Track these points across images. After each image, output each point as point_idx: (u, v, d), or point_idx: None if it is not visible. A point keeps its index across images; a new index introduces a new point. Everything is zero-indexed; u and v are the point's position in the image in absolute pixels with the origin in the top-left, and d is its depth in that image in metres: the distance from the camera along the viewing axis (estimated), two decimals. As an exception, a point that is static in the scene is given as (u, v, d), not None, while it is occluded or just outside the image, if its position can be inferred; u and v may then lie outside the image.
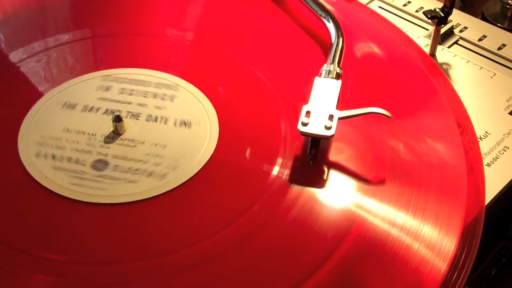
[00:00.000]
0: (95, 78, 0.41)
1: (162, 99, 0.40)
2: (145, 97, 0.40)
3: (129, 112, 0.39)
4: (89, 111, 0.39)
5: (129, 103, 0.40)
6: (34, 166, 0.36)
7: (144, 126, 0.38)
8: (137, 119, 0.39)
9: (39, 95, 0.40)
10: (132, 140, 0.37)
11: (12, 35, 0.45)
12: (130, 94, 0.40)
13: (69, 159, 0.36)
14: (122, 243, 0.33)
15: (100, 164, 0.36)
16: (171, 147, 0.37)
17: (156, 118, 0.39)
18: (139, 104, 0.40)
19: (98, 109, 0.39)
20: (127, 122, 0.38)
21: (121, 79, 0.41)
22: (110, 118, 0.38)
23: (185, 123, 0.38)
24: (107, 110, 0.39)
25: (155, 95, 0.40)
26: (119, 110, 0.39)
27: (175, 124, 0.38)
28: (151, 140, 0.37)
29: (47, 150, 0.37)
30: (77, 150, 0.37)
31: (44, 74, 0.42)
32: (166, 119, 0.39)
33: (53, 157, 0.36)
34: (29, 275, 0.31)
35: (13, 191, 0.35)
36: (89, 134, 0.38)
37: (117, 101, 0.40)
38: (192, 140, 0.37)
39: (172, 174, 0.35)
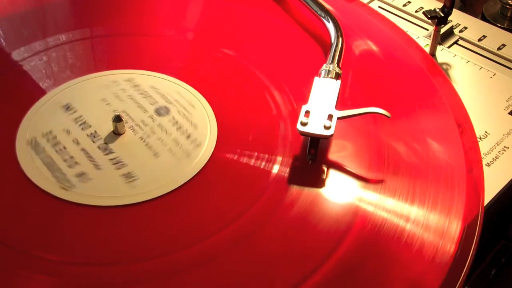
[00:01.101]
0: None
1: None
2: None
3: (127, 112, 0.39)
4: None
5: (129, 103, 0.40)
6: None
7: (144, 125, 0.38)
8: (136, 120, 0.39)
9: (37, 96, 0.40)
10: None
11: (12, 34, 0.45)
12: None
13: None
14: (122, 244, 0.33)
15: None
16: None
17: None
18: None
19: (98, 110, 0.39)
20: (127, 120, 0.38)
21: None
22: (109, 118, 0.38)
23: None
24: (107, 111, 0.39)
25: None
26: (119, 111, 0.39)
27: (174, 124, 0.38)
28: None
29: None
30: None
31: (44, 74, 0.42)
32: (166, 119, 0.39)
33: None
34: (29, 275, 0.31)
35: (13, 191, 0.35)
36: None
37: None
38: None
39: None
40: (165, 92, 0.40)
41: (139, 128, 0.38)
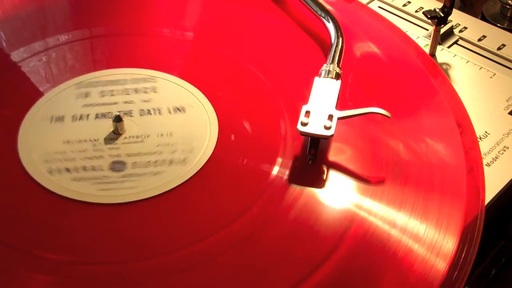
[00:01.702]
0: (95, 78, 0.41)
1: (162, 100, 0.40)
2: (143, 98, 0.40)
3: (124, 112, 0.39)
4: (79, 119, 0.39)
5: (128, 103, 0.40)
6: (33, 165, 0.36)
7: (144, 123, 0.38)
8: (130, 116, 0.39)
9: (37, 97, 0.40)
10: (137, 136, 0.37)
11: (11, 35, 0.45)
12: (127, 94, 0.40)
13: (85, 168, 0.36)
14: (122, 243, 0.33)
15: (118, 165, 0.36)
16: (178, 134, 0.37)
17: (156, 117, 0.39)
18: (138, 105, 0.40)
19: (87, 116, 0.39)
20: (127, 121, 0.38)
21: (120, 80, 0.41)
22: (103, 121, 0.38)
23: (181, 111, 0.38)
24: (96, 114, 0.39)
25: (155, 96, 0.40)
26: (109, 112, 0.39)
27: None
28: (155, 132, 0.37)
29: (58, 165, 0.36)
30: (87, 158, 0.36)
31: (43, 75, 0.42)
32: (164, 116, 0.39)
33: (67, 170, 0.36)
34: (29, 275, 0.31)
35: (13, 191, 0.35)
36: (91, 140, 0.38)
37: (117, 102, 0.40)
38: (195, 127, 0.38)
39: (190, 158, 0.36)
40: (184, 103, 0.40)
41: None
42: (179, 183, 0.35)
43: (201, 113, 0.39)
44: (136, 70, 0.42)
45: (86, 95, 0.40)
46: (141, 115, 0.39)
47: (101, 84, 0.41)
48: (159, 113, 0.39)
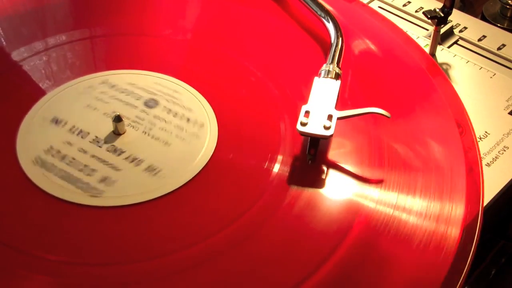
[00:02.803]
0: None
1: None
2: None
3: (127, 112, 0.39)
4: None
5: (128, 104, 0.40)
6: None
7: (145, 126, 0.38)
8: (137, 121, 0.39)
9: (37, 96, 0.40)
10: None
11: (12, 34, 0.45)
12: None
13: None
14: (122, 244, 0.33)
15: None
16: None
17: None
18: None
19: (95, 111, 0.39)
20: (127, 122, 0.38)
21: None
22: (108, 119, 0.38)
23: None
24: (105, 112, 0.39)
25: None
26: (118, 112, 0.39)
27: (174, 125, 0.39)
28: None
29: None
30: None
31: (44, 74, 0.42)
32: (166, 119, 0.39)
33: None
34: (29, 275, 0.31)
35: (12, 191, 0.35)
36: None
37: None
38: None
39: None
40: (184, 103, 0.40)
41: (138, 124, 0.38)
42: (180, 184, 0.35)
43: (201, 113, 0.39)
44: (161, 75, 0.42)
45: (87, 96, 0.40)
46: (122, 110, 0.39)
47: (105, 86, 0.41)
48: (164, 122, 0.39)
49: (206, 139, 0.38)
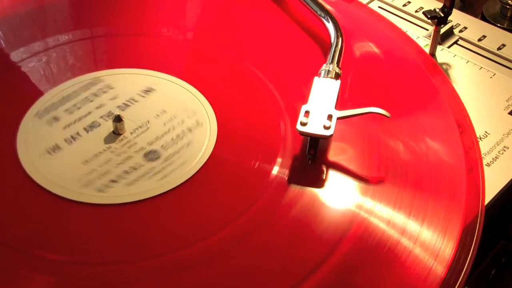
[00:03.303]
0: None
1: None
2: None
3: (126, 111, 0.39)
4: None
5: (128, 104, 0.40)
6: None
7: (144, 126, 0.38)
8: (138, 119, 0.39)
9: (36, 96, 0.40)
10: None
11: (12, 35, 0.45)
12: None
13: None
14: (122, 243, 0.33)
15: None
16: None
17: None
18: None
19: (97, 110, 0.39)
20: (127, 122, 0.38)
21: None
22: (109, 119, 0.38)
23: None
24: (106, 111, 0.39)
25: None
26: (118, 112, 0.39)
27: (174, 126, 0.39)
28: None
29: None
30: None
31: (44, 74, 0.42)
32: (167, 119, 0.39)
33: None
34: (29, 275, 0.31)
35: (13, 191, 0.35)
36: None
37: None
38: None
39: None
40: (183, 103, 0.40)
41: (137, 123, 0.38)
42: (179, 183, 0.35)
43: (201, 113, 0.39)
44: (161, 75, 0.42)
45: (87, 96, 0.40)
46: (122, 110, 0.39)
47: (105, 87, 0.41)
48: (165, 123, 0.39)
49: (205, 138, 0.38)
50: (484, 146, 0.41)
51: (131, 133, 0.38)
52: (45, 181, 0.35)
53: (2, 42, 0.45)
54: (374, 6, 0.52)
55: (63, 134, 0.38)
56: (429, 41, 0.47)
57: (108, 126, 0.38)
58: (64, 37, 0.44)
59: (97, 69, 0.42)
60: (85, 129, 0.38)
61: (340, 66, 0.40)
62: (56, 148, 0.37)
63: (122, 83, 0.41)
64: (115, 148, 0.37)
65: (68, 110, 0.39)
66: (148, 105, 0.40)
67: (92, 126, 0.38)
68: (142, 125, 0.38)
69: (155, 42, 0.45)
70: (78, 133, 0.38)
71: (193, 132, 0.38)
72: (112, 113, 0.38)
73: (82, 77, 0.41)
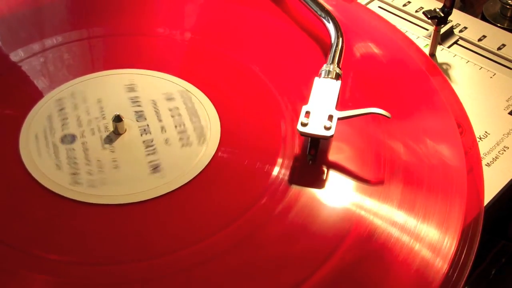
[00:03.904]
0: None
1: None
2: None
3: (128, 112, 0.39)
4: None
5: (128, 103, 0.40)
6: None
7: (144, 126, 0.38)
8: (137, 120, 0.39)
9: (36, 97, 0.40)
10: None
11: (10, 35, 0.45)
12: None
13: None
14: (122, 244, 0.33)
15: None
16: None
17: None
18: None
19: (99, 110, 0.39)
20: (127, 122, 0.38)
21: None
22: (110, 118, 0.38)
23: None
24: (106, 111, 0.39)
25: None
26: (117, 111, 0.39)
27: (175, 125, 0.39)
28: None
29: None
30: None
31: (44, 74, 0.42)
32: (167, 119, 0.39)
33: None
34: (29, 275, 0.31)
35: (14, 191, 0.35)
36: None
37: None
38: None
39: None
40: (184, 103, 0.40)
41: (138, 123, 0.38)
42: (180, 184, 0.35)
43: (202, 113, 0.39)
44: (161, 75, 0.42)
45: (87, 95, 0.40)
46: (148, 120, 0.39)
47: (105, 86, 0.41)
48: (165, 123, 0.39)
49: (207, 138, 0.38)
50: (484, 146, 0.41)
51: (131, 133, 0.38)
52: (46, 181, 0.35)
53: (0, 43, 0.45)
54: (374, 6, 0.52)
55: (64, 134, 0.38)
56: (429, 41, 0.47)
57: (108, 126, 0.38)
58: (61, 37, 0.44)
59: (96, 69, 0.42)
60: (85, 129, 0.38)
61: (340, 67, 0.40)
62: (58, 148, 0.37)
63: (122, 83, 0.41)
64: (115, 148, 0.37)
65: (68, 110, 0.39)
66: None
67: (92, 126, 0.38)
68: (142, 125, 0.38)
69: (155, 42, 0.45)
70: (78, 133, 0.38)
71: (194, 132, 0.38)
72: (112, 113, 0.38)
73: (82, 77, 0.41)
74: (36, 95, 0.40)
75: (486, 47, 0.48)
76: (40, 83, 0.41)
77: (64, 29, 0.45)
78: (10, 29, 0.46)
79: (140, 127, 0.38)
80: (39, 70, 0.42)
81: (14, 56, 0.43)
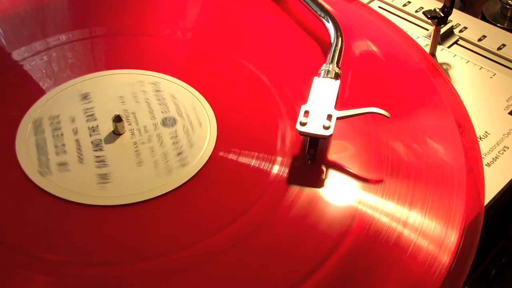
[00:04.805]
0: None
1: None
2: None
3: (127, 112, 0.39)
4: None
5: (128, 103, 0.40)
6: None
7: (144, 127, 0.38)
8: (136, 120, 0.39)
9: (38, 96, 0.40)
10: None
11: (12, 34, 0.45)
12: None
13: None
14: (122, 244, 0.33)
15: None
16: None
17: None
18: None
19: (97, 109, 0.39)
20: (127, 122, 0.38)
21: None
22: (109, 119, 0.38)
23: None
24: (107, 110, 0.39)
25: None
26: (118, 111, 0.39)
27: (174, 125, 0.39)
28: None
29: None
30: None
31: (44, 74, 0.42)
32: (167, 120, 0.39)
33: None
34: (29, 275, 0.31)
35: (12, 191, 0.35)
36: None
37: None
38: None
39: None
40: (183, 103, 0.40)
41: (139, 133, 0.38)
42: (179, 183, 0.35)
43: (201, 113, 0.39)
44: (161, 75, 0.42)
45: (86, 95, 0.40)
46: (147, 121, 0.39)
47: (105, 86, 0.41)
48: (165, 123, 0.39)
49: (205, 138, 0.38)
50: (484, 146, 0.41)
51: (131, 133, 0.38)
52: (45, 182, 0.35)
53: (3, 41, 0.45)
54: (374, 6, 0.52)
55: (64, 133, 0.38)
56: (429, 41, 0.47)
57: (108, 126, 0.38)
58: (64, 36, 0.44)
59: (97, 69, 0.42)
60: (85, 129, 0.38)
61: (339, 66, 0.40)
62: (55, 149, 0.37)
63: (122, 83, 0.41)
64: (114, 148, 0.37)
65: (67, 110, 0.39)
66: (160, 112, 0.40)
67: (92, 126, 0.38)
68: (142, 125, 0.38)
69: (155, 42, 0.45)
70: (78, 133, 0.38)
71: (193, 132, 0.38)
72: (112, 113, 0.38)
73: (82, 77, 0.41)
74: (35, 95, 0.40)
75: (486, 47, 0.48)
76: (40, 82, 0.41)
77: (63, 29, 0.45)
78: (12, 28, 0.46)
79: (139, 127, 0.38)
80: (38, 70, 0.42)
81: (15, 55, 0.43)
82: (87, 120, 0.38)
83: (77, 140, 0.37)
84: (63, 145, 0.37)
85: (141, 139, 0.37)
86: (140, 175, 0.35)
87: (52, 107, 0.39)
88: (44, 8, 0.48)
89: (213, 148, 0.37)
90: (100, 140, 0.37)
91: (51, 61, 0.43)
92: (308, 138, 0.36)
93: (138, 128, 0.38)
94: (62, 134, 0.37)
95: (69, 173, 0.35)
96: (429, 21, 0.46)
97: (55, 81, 0.41)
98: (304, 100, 0.38)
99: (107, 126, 0.38)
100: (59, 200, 0.34)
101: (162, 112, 0.39)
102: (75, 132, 0.37)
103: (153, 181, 0.35)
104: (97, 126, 0.38)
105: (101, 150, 0.37)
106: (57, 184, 0.35)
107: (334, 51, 0.41)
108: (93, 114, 0.39)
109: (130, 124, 0.38)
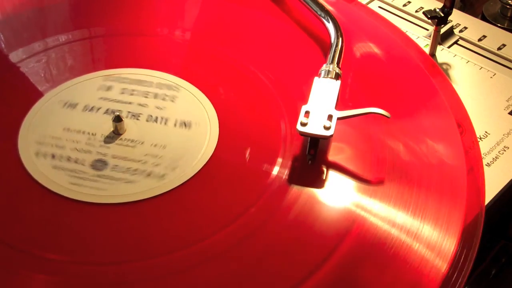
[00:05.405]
0: (96, 78, 0.41)
1: (163, 99, 0.40)
2: (145, 97, 0.40)
3: (129, 112, 0.39)
4: (89, 110, 0.39)
5: (130, 103, 0.40)
6: (34, 165, 0.36)
7: (144, 127, 0.38)
8: (137, 119, 0.39)
9: (39, 95, 0.40)
10: (132, 140, 0.37)
11: (12, 35, 0.45)
12: (131, 94, 0.40)
13: (69, 159, 0.36)
14: (122, 243, 0.33)
15: (99, 164, 0.36)
16: (171, 148, 0.37)
17: (156, 118, 0.39)
18: (140, 104, 0.40)
19: (98, 109, 0.39)
20: (128, 122, 0.38)
21: (122, 79, 0.41)
22: (110, 118, 0.38)
23: (185, 124, 0.39)
24: (107, 110, 0.39)
25: (156, 96, 0.40)
26: (119, 110, 0.39)
27: (175, 125, 0.38)
28: (150, 141, 0.37)
29: (47, 149, 0.37)
30: (76, 149, 0.37)
31: (44, 74, 0.42)
32: (167, 120, 0.39)
33: (53, 156, 0.36)
34: (29, 275, 0.31)
35: (13, 191, 0.35)
36: (89, 133, 0.38)
37: (118, 101, 0.40)
38: (192, 141, 0.37)
39: (171, 175, 0.35)
40: (166, 92, 0.40)
41: (139, 133, 0.38)
42: (180, 183, 0.35)
43: (201, 113, 0.39)
44: (164, 75, 0.42)
45: (108, 88, 0.40)
46: (147, 120, 0.39)
47: (127, 82, 0.41)
48: (165, 123, 0.38)
49: (206, 138, 0.38)
50: (484, 146, 0.41)
51: (131, 133, 0.38)
52: (46, 181, 0.35)
53: (2, 43, 0.45)
54: (374, 6, 0.52)
55: (64, 134, 0.38)
56: (429, 41, 0.47)
57: (108, 126, 0.38)
58: (63, 37, 0.44)
59: (96, 69, 0.42)
60: (84, 129, 0.38)
61: (340, 66, 0.40)
62: (57, 148, 0.37)
63: (123, 83, 0.41)
64: (115, 148, 0.37)
65: (68, 110, 0.39)
66: (149, 105, 0.40)
67: (92, 126, 0.38)
68: (142, 124, 0.38)
69: (155, 42, 0.45)
70: (78, 133, 0.38)
71: (193, 133, 0.38)
72: (113, 113, 0.38)
73: (83, 77, 0.41)
74: (35, 95, 0.40)
75: (486, 47, 0.48)
76: (39, 82, 0.41)
77: (63, 29, 0.45)
78: (10, 29, 0.46)
79: (139, 128, 0.38)
80: (38, 70, 0.42)
81: (13, 56, 0.43)
82: (82, 136, 0.38)
83: (77, 140, 0.37)
84: (63, 145, 0.37)
85: (141, 139, 0.38)
86: (140, 175, 0.35)
87: (41, 123, 0.38)
88: (41, 9, 0.48)
89: (214, 148, 0.37)
90: (100, 140, 0.37)
91: (49, 61, 0.43)
92: (309, 138, 0.36)
93: (138, 127, 0.38)
94: (76, 158, 0.37)
95: (69, 172, 0.35)
96: (429, 21, 0.46)
97: (54, 83, 0.41)
98: (304, 100, 0.38)
99: (107, 126, 0.38)
100: (59, 199, 0.34)
101: (162, 112, 0.39)
102: (85, 150, 0.37)
103: (154, 180, 0.35)
104: (97, 126, 0.38)
105: (101, 149, 0.37)
106: (57, 183, 0.35)
107: (335, 51, 0.41)
108: (93, 114, 0.39)
109: (130, 124, 0.38)
